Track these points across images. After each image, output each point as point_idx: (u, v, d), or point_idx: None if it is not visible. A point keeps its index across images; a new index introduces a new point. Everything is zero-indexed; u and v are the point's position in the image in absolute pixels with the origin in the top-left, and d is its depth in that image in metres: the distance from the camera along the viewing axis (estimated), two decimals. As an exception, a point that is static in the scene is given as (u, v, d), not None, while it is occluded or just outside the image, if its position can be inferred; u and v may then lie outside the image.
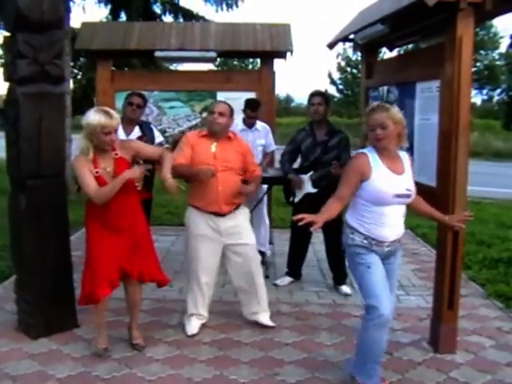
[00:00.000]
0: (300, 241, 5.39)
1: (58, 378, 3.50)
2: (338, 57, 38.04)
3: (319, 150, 5.08)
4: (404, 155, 3.37)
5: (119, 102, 5.75)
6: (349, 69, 37.97)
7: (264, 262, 5.82)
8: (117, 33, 6.50)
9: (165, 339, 4.10)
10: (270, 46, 6.40)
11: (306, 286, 5.39)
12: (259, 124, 5.90)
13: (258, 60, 7.16)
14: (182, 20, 11.95)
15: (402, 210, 3.31)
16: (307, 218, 3.03)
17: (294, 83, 59.27)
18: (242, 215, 4.29)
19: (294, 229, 5.42)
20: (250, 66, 35.65)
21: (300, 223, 3.02)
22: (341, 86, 38.59)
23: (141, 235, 3.81)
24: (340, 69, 38.53)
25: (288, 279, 5.45)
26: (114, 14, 12.40)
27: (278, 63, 6.45)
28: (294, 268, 5.49)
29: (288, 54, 6.47)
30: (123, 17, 12.28)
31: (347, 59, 37.78)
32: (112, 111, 3.59)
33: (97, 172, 3.59)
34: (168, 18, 12.28)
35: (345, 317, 4.63)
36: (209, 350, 3.96)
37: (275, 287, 5.31)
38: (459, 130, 3.68)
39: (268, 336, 4.21)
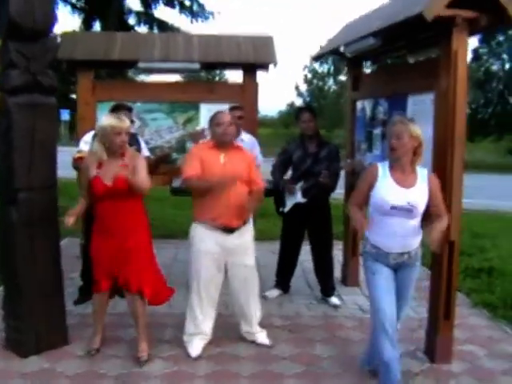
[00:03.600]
0: (290, 253, 5.37)
1: (54, 398, 3.40)
2: (304, 69, 38.45)
3: (309, 161, 5.09)
4: (423, 173, 3.39)
5: (101, 112, 5.64)
6: (315, 81, 38.33)
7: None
8: (98, 43, 6.39)
9: (160, 355, 4.01)
10: (253, 58, 6.40)
11: (295, 299, 5.36)
12: (245, 135, 5.75)
13: (225, 72, 7.13)
14: (156, 31, 11.88)
15: (412, 224, 3.33)
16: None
17: (260, 95, 59.39)
18: (249, 233, 4.15)
19: (283, 241, 5.40)
20: (217, 78, 35.54)
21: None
22: (308, 98, 38.86)
23: (135, 243, 3.77)
24: (307, 81, 38.86)
25: (277, 292, 5.41)
26: (87, 25, 12.24)
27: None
28: (283, 280, 5.45)
29: (271, 65, 6.48)
30: (97, 27, 12.14)
31: (313, 72, 38.16)
32: (122, 116, 3.85)
33: (97, 172, 3.69)
34: (143, 29, 12.23)
35: (337, 328, 4.62)
36: (206, 365, 3.89)
37: (264, 300, 5.25)
38: (455, 140, 3.75)
39: (264, 350, 4.16)
